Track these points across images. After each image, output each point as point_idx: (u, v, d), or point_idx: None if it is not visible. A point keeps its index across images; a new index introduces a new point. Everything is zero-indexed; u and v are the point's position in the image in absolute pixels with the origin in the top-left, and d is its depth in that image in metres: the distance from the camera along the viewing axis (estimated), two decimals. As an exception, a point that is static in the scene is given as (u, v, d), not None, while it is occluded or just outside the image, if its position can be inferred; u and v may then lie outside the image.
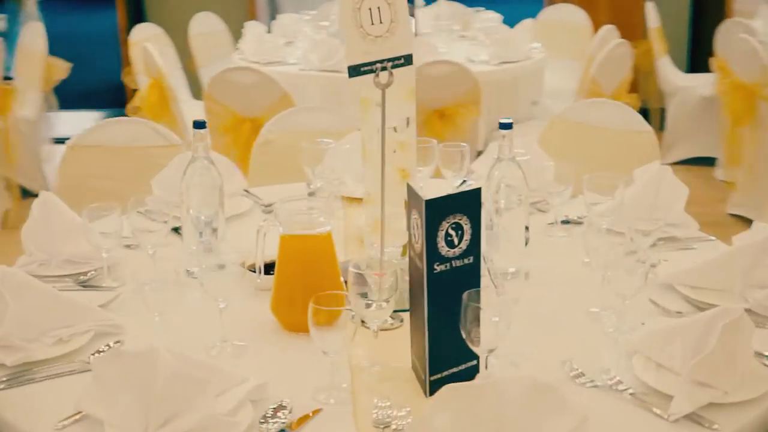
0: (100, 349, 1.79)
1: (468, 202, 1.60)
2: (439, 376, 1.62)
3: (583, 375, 1.68)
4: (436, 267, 1.58)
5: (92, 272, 2.15)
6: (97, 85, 7.86)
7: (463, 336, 1.57)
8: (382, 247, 1.85)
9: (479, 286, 1.63)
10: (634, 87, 5.35)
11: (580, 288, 2.05)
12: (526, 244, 2.10)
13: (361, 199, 2.67)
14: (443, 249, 1.59)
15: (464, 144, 2.55)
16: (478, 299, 1.57)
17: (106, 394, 1.51)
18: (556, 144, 3.29)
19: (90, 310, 1.89)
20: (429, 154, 2.55)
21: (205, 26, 6.12)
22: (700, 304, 1.96)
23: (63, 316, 1.84)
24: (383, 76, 1.80)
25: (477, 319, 1.56)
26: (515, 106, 4.86)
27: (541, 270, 2.14)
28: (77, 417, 1.54)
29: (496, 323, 1.56)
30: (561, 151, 3.25)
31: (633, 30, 6.42)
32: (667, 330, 1.68)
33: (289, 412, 1.55)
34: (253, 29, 5.31)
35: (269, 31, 5.56)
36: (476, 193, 1.61)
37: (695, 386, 1.57)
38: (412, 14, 4.91)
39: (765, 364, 1.69)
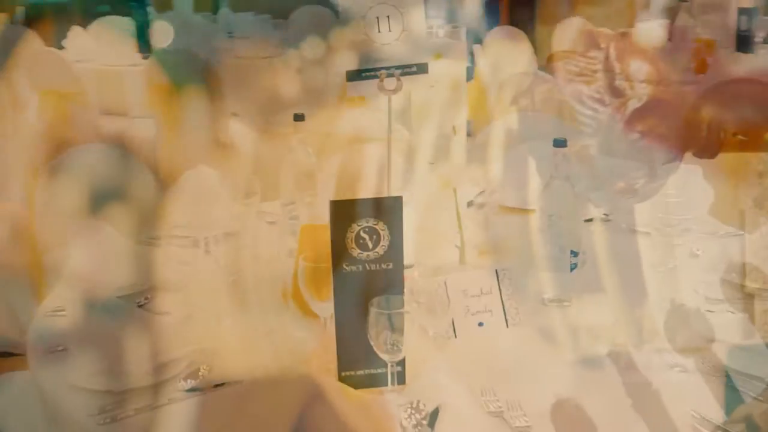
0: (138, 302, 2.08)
1: (385, 209, 1.62)
2: (351, 373, 1.68)
3: (494, 398, 1.62)
4: (345, 267, 1.64)
5: (207, 238, 2.43)
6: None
7: (370, 341, 1.61)
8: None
9: (401, 294, 1.65)
10: None
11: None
12: (572, 269, 2.01)
13: (518, 209, 2.69)
14: (354, 251, 1.64)
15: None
16: (387, 306, 1.60)
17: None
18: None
19: (156, 267, 2.19)
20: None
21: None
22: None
23: (132, 270, 2.16)
24: (389, 82, 1.87)
25: (381, 325, 1.59)
26: None
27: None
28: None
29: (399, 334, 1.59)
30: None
31: None
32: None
33: (196, 379, 1.71)
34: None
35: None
36: (396, 200, 1.63)
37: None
38: (749, 27, 4.56)
39: None
